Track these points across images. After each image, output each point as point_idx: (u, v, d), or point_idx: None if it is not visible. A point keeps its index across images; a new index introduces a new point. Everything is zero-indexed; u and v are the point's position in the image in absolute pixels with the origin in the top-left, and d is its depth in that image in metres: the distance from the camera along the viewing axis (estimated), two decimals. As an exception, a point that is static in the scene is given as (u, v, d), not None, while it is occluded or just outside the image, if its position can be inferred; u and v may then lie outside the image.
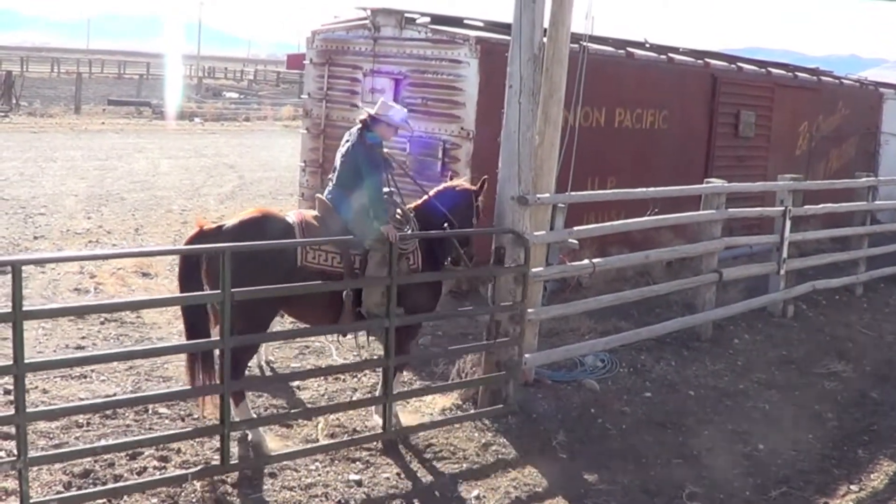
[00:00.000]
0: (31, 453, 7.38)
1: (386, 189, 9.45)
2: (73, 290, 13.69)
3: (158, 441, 8.58)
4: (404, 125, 10.09)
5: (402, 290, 9.18)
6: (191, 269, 8.94)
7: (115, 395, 9.98)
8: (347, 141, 9.51)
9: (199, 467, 8.35)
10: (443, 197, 9.99)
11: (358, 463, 8.96)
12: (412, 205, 9.86)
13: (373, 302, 9.22)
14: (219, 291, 7.98)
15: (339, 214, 9.29)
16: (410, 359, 10.48)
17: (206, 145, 34.69)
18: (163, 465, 8.52)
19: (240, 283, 8.15)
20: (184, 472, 8.25)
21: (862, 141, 24.61)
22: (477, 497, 8.59)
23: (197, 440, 8.94)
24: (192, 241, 9.00)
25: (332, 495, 8.29)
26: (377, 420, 9.61)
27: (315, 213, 9.44)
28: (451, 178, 11.19)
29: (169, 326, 12.42)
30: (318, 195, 9.65)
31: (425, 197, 10.02)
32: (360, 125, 9.48)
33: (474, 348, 10.77)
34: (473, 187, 10.21)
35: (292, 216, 9.29)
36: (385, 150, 9.61)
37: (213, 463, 8.44)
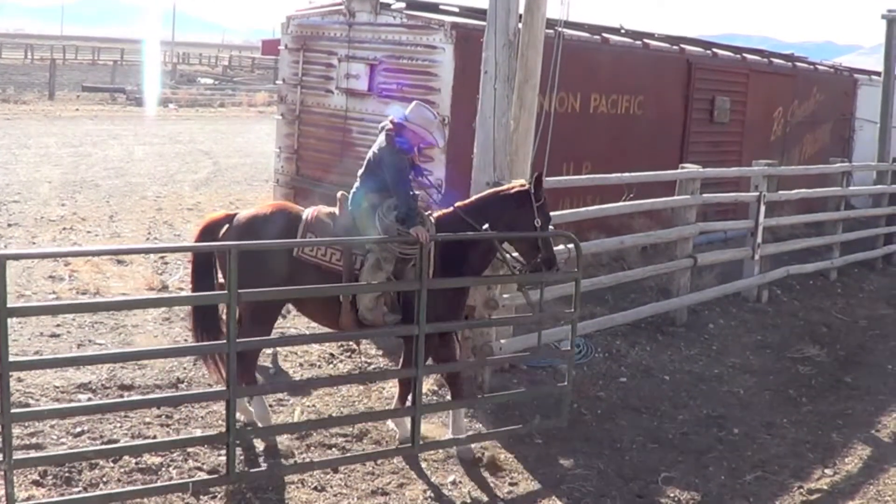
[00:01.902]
0: (16, 455, 7.19)
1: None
2: (47, 278, 13.60)
3: (160, 447, 8.38)
4: (429, 136, 9.04)
5: (407, 297, 8.77)
6: (204, 256, 8.97)
7: (90, 382, 9.92)
8: (376, 145, 9.00)
9: (196, 478, 8.16)
10: (480, 205, 9.17)
11: (334, 449, 8.97)
12: (437, 213, 9.19)
13: (364, 305, 8.75)
14: (225, 292, 7.78)
15: (353, 213, 8.94)
16: (439, 369, 9.58)
17: (181, 132, 34.51)
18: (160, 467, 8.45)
19: (241, 272, 8.03)
20: (185, 480, 8.06)
21: (836, 127, 24.70)
22: (453, 482, 8.62)
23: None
24: (204, 229, 9.08)
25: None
26: (390, 426, 9.48)
27: (333, 209, 9.05)
28: (495, 186, 9.89)
29: (144, 314, 12.36)
30: (342, 192, 9.16)
31: (456, 205, 9.25)
32: (390, 126, 8.97)
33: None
34: (523, 187, 9.10)
35: (308, 211, 9.02)
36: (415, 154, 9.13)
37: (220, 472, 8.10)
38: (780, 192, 15.56)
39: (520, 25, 10.68)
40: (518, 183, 9.29)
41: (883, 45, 22.37)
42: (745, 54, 21.65)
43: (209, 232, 9.00)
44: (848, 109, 25.32)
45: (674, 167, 14.67)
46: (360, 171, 9.06)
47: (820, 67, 25.29)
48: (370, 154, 9.05)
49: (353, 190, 9.01)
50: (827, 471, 9.63)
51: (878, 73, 24.00)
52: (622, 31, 18.74)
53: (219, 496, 7.93)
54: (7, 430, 6.86)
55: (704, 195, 14.06)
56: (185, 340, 11.43)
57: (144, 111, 42.43)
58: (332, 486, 8.30)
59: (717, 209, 16.84)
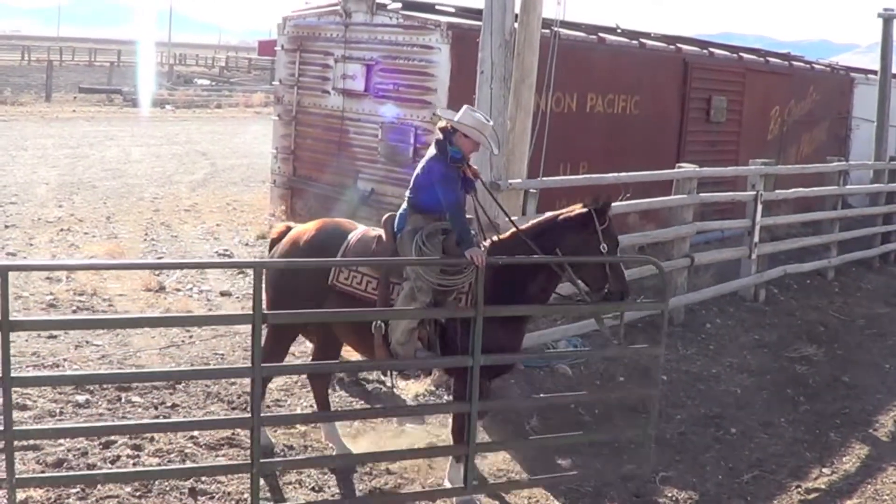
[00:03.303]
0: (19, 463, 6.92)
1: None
2: (45, 279, 13.56)
3: (181, 474, 8.05)
4: (485, 141, 8.13)
5: (448, 335, 8.02)
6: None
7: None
8: (426, 157, 8.17)
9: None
10: (539, 229, 8.30)
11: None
12: (493, 238, 8.39)
13: (395, 339, 7.99)
14: (250, 313, 7.17)
15: (396, 235, 8.20)
16: (494, 406, 8.92)
17: (178, 133, 34.50)
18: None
19: (275, 293, 8.20)
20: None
21: (833, 126, 24.71)
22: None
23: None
24: (272, 243, 8.96)
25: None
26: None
27: (379, 232, 8.35)
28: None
29: (142, 314, 12.35)
30: (388, 214, 8.50)
31: (511, 230, 8.37)
32: (440, 136, 8.08)
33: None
34: (585, 209, 8.22)
35: (354, 233, 8.44)
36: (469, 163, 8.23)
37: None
38: (777, 191, 15.56)
39: (516, 25, 10.69)
40: (579, 205, 8.31)
41: (879, 44, 22.40)
42: (741, 53, 21.67)
43: (274, 245, 8.88)
44: (844, 108, 25.33)
45: (670, 167, 14.67)
46: (408, 190, 8.28)
47: (816, 66, 25.32)
48: (417, 168, 8.22)
49: (400, 210, 8.26)
50: (825, 470, 9.64)
51: (874, 72, 24.03)
52: (618, 30, 18.75)
53: (216, 497, 7.93)
54: (9, 447, 6.63)
55: (701, 194, 14.06)
56: (183, 342, 11.43)
57: (141, 112, 42.40)
58: (329, 487, 8.30)
59: (714, 208, 16.84)
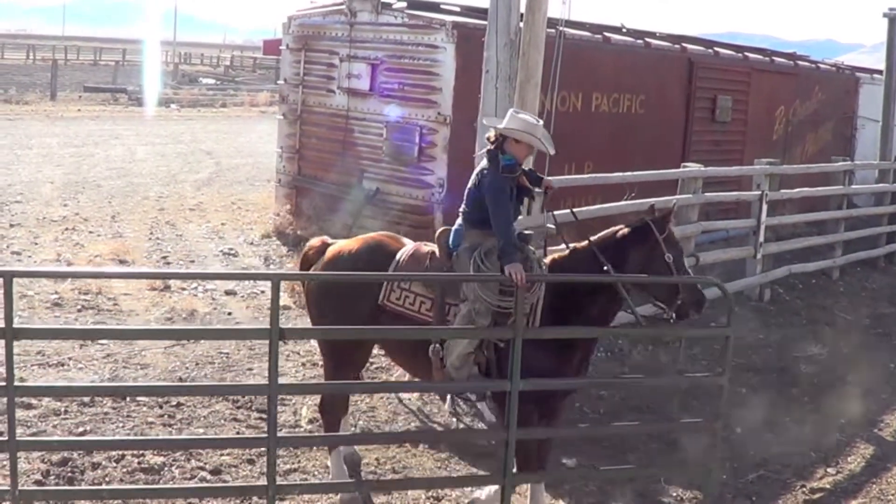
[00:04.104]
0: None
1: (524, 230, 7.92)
2: (49, 280, 13.58)
3: (193, 494, 7.78)
4: (538, 143, 7.73)
5: (502, 353, 7.45)
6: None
7: (92, 382, 9.92)
8: (478, 168, 7.76)
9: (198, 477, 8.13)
10: (602, 245, 7.79)
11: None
12: (551, 256, 7.98)
13: (450, 363, 7.52)
14: (266, 328, 6.90)
15: (452, 254, 7.78)
16: (535, 434, 7.96)
17: (183, 132, 34.51)
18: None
19: (323, 315, 7.85)
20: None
21: (838, 125, 24.69)
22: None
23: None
24: (303, 260, 8.48)
25: None
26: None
27: (432, 248, 7.95)
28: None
29: (146, 314, 12.39)
30: (442, 228, 8.13)
31: (572, 246, 7.97)
32: (490, 145, 7.69)
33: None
34: (642, 221, 7.81)
35: (404, 250, 7.99)
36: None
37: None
38: (783, 190, 15.54)
39: (521, 25, 10.68)
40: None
41: (885, 44, 22.36)
42: (746, 53, 21.64)
43: (307, 262, 8.39)
44: (850, 108, 25.31)
45: (676, 166, 14.65)
46: (462, 204, 7.85)
47: (822, 66, 25.29)
48: (470, 181, 7.80)
49: (456, 226, 7.84)
50: (829, 470, 9.62)
51: (879, 72, 23.98)
52: (624, 30, 18.72)
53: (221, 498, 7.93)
54: (13, 458, 6.49)
55: (706, 194, 14.05)
56: (188, 341, 11.43)
57: (146, 111, 42.42)
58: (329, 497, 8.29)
59: (719, 208, 16.82)
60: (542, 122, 7.84)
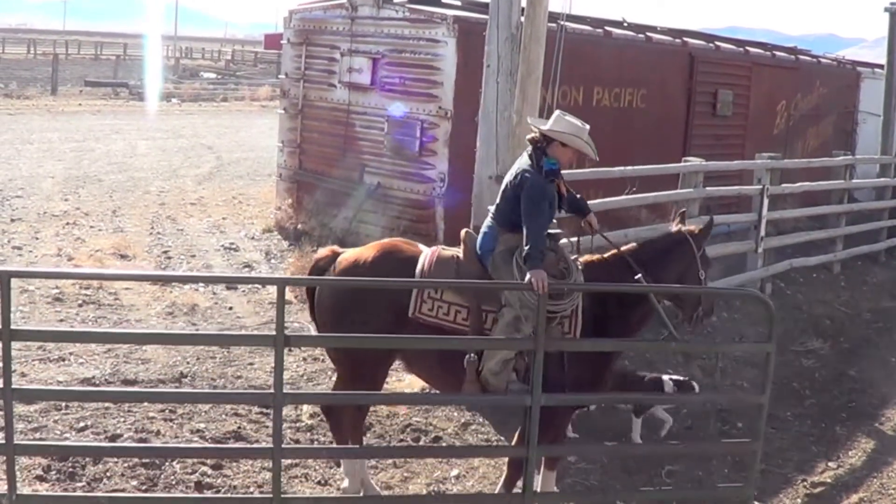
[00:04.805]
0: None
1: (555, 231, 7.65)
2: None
3: None
4: (586, 147, 7.52)
5: (547, 362, 7.07)
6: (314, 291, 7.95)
7: (93, 377, 9.93)
8: (516, 168, 7.55)
9: (199, 471, 8.10)
10: (642, 258, 7.72)
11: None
12: (586, 258, 7.82)
13: (489, 369, 7.25)
14: (271, 334, 6.72)
15: (483, 259, 7.51)
16: (558, 451, 8.13)
17: (184, 126, 34.47)
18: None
19: (343, 330, 7.37)
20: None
21: (839, 120, 24.67)
22: (457, 476, 8.62)
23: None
24: (312, 271, 8.01)
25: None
26: None
27: (456, 252, 7.66)
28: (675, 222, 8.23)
29: (147, 308, 12.39)
30: (466, 229, 7.86)
31: (612, 251, 7.86)
32: (532, 147, 7.50)
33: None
34: (690, 228, 7.98)
35: (423, 255, 7.62)
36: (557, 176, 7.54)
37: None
38: (784, 185, 15.55)
39: (522, 19, 10.67)
40: (679, 224, 8.03)
41: (886, 38, 22.36)
42: (747, 47, 21.60)
43: (318, 274, 7.91)
44: (851, 102, 25.28)
45: (677, 160, 14.63)
46: (495, 204, 7.67)
47: (823, 60, 25.25)
48: (507, 178, 7.57)
49: (485, 227, 7.63)
50: (830, 464, 9.65)
51: (881, 66, 24.00)
52: (624, 24, 18.71)
53: (222, 490, 7.94)
54: (10, 462, 6.44)
55: (707, 188, 14.06)
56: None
57: (147, 106, 42.39)
58: (335, 481, 8.30)
59: (720, 202, 16.81)
60: (588, 127, 7.57)
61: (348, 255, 7.81)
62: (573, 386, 7.29)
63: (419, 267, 7.47)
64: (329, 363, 10.82)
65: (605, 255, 7.83)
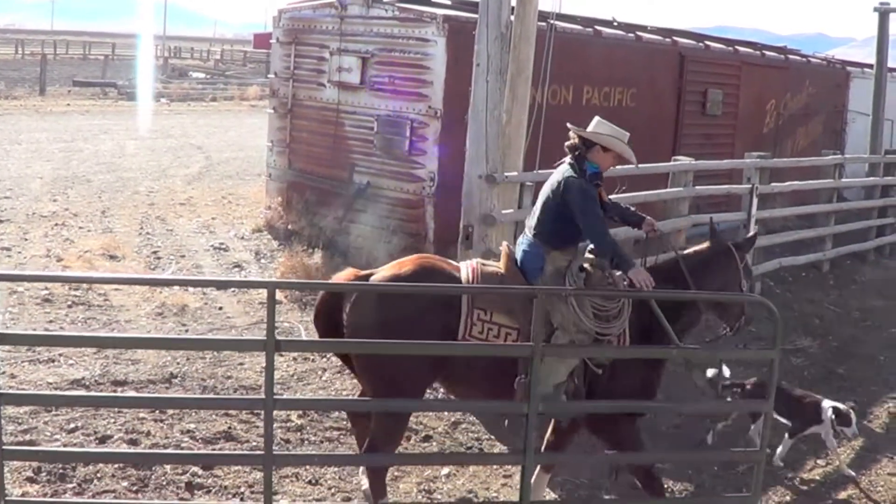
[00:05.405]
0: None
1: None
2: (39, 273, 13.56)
3: None
4: (628, 152, 7.46)
5: (594, 382, 7.19)
6: (329, 312, 7.44)
7: (83, 378, 9.92)
8: (556, 177, 7.38)
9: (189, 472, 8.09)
10: (688, 260, 7.74)
11: (327, 443, 8.93)
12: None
13: (542, 394, 6.94)
14: (262, 339, 6.54)
15: (528, 277, 7.28)
16: (557, 460, 8.19)
17: (173, 126, 34.37)
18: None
19: (381, 362, 7.00)
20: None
21: (829, 119, 24.72)
22: (447, 475, 8.62)
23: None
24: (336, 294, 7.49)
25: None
26: None
27: (497, 268, 7.41)
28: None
29: (137, 309, 12.37)
30: (506, 243, 7.66)
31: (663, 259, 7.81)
32: (573, 154, 7.35)
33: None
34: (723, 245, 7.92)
35: (465, 271, 7.34)
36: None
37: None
38: (773, 184, 15.58)
39: (512, 18, 10.68)
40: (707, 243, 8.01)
41: (875, 38, 22.43)
42: (737, 47, 21.64)
43: (342, 299, 7.35)
44: (840, 102, 25.34)
45: (666, 159, 14.65)
46: (533, 216, 7.47)
47: (812, 60, 25.31)
48: (547, 188, 7.39)
49: (525, 242, 7.42)
50: (819, 462, 9.67)
51: (870, 66, 24.07)
52: (614, 23, 18.74)
53: (213, 490, 7.93)
54: None
55: (697, 187, 14.08)
56: (178, 335, 11.43)
57: (136, 106, 42.28)
58: (326, 480, 8.31)
59: (709, 201, 16.84)
60: (628, 134, 7.49)
61: (381, 274, 7.38)
62: (623, 395, 7.20)
63: (463, 284, 7.22)
64: (320, 363, 10.85)
65: (656, 264, 7.74)
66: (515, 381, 6.94)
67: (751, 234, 7.96)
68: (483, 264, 7.44)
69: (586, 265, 7.34)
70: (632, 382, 7.26)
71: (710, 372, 9.95)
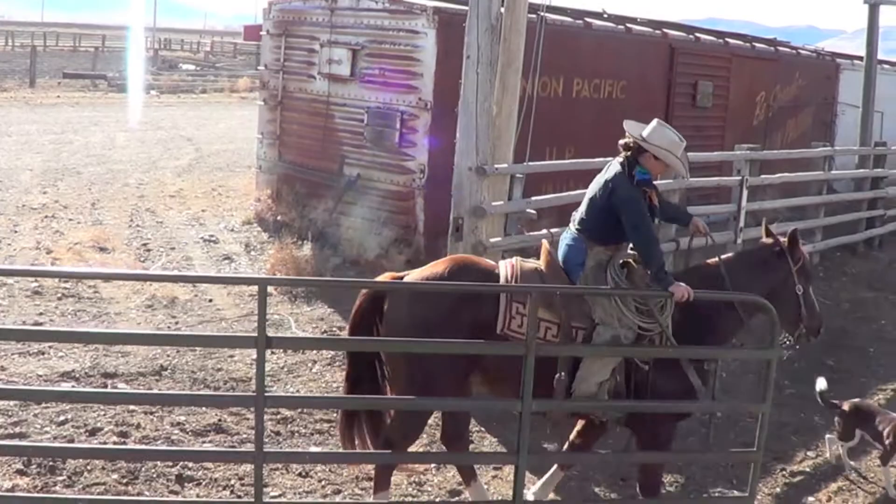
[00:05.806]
0: None
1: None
2: (29, 266, 13.51)
3: None
4: (678, 165, 7.38)
5: (640, 380, 7.13)
6: (369, 314, 7.23)
7: (73, 370, 9.90)
8: (605, 176, 7.25)
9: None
10: (731, 262, 7.59)
11: (317, 436, 8.94)
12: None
13: (584, 392, 6.99)
14: (253, 335, 6.39)
15: (570, 273, 7.18)
16: (552, 458, 8.12)
17: (163, 118, 34.28)
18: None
19: (417, 360, 6.90)
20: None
21: (819, 111, 24.75)
22: (437, 467, 8.60)
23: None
24: (371, 294, 7.27)
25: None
26: None
27: (536, 264, 7.30)
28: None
29: (126, 301, 12.35)
30: (545, 241, 7.50)
31: (695, 265, 7.67)
32: (625, 153, 7.21)
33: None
34: (773, 245, 7.68)
35: (503, 268, 7.18)
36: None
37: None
38: (763, 176, 15.59)
39: (502, 10, 10.67)
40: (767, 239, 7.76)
41: (865, 30, 22.46)
42: (727, 39, 21.66)
43: (378, 301, 7.19)
44: (830, 94, 25.37)
45: (656, 152, 14.65)
46: (580, 211, 7.34)
47: (802, 52, 25.35)
48: (595, 188, 7.26)
49: (569, 236, 7.30)
50: (809, 453, 9.69)
51: (860, 58, 24.10)
52: (605, 15, 18.73)
53: (203, 483, 7.92)
54: None
55: (687, 179, 14.07)
56: (168, 328, 11.42)
57: (126, 98, 42.14)
58: (316, 472, 8.29)
59: (699, 193, 16.85)
60: (685, 143, 7.39)
61: (416, 274, 7.29)
62: (658, 395, 7.14)
63: (502, 280, 7.06)
64: (310, 355, 10.80)
65: (701, 264, 7.61)
66: (555, 380, 6.87)
67: (791, 232, 7.59)
68: (522, 261, 7.29)
69: (629, 259, 7.21)
70: (666, 382, 7.13)
71: (821, 385, 9.71)
